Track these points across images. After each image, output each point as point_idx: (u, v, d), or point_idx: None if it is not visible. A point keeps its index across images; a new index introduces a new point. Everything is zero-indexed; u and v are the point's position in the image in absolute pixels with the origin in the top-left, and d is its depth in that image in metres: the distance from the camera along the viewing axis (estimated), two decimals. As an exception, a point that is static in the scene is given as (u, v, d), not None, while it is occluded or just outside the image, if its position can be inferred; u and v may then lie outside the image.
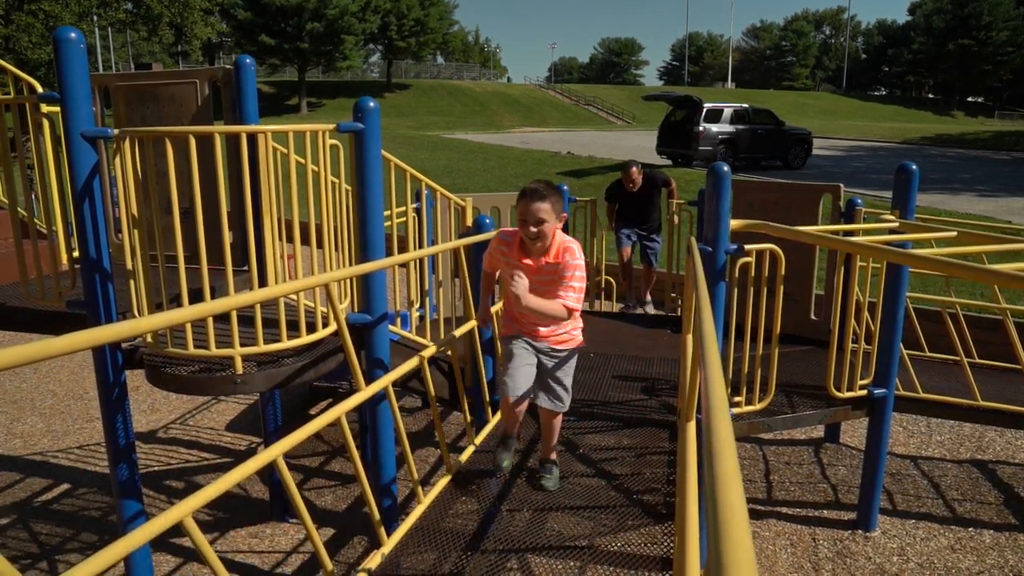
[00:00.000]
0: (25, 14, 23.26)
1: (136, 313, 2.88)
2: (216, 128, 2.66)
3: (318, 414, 2.22)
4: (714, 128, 18.61)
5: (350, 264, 3.13)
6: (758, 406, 3.55)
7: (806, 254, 4.84)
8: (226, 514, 4.18)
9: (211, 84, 3.37)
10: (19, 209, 3.20)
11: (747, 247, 3.32)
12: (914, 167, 3.70)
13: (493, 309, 3.55)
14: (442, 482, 3.12)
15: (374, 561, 2.53)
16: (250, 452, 5.02)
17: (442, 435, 3.11)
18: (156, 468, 4.77)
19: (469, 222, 4.34)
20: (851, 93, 74.80)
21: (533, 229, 2.71)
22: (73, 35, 2.67)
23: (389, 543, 2.63)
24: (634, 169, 6.55)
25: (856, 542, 3.77)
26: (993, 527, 3.89)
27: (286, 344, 2.79)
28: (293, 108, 48.58)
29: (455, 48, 71.13)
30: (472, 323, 3.40)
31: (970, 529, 3.87)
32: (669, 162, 19.37)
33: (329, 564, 2.21)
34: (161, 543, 3.80)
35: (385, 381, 2.72)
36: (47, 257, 3.19)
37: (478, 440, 3.50)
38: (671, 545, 2.62)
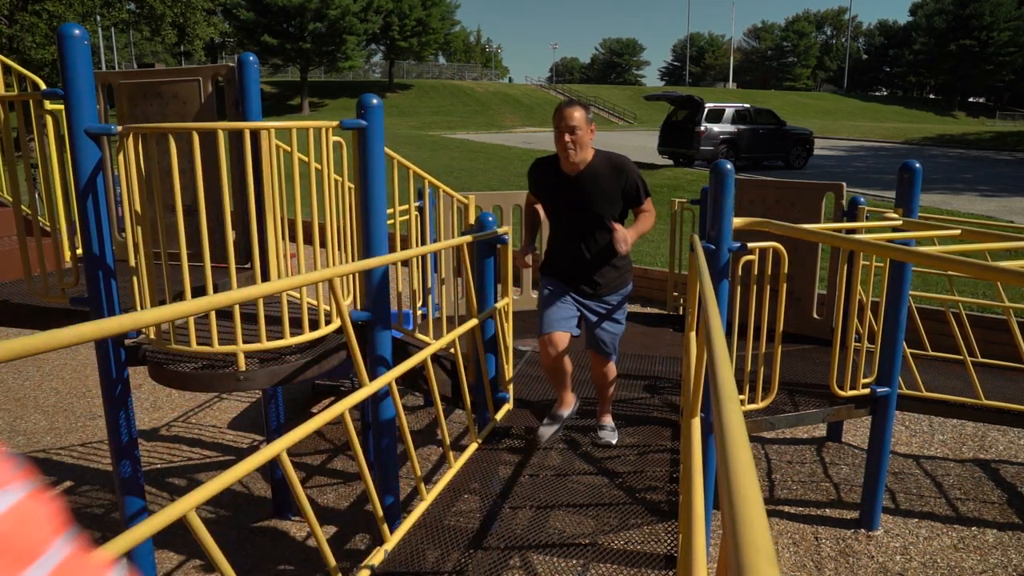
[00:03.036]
0: (29, 14, 23.28)
1: (139, 309, 2.88)
2: (219, 124, 2.66)
3: (320, 412, 2.21)
4: (715, 128, 18.63)
5: (353, 262, 3.12)
6: (760, 404, 3.55)
7: (809, 252, 4.84)
8: (228, 511, 4.18)
9: (214, 82, 3.37)
10: (23, 206, 3.20)
11: (750, 245, 3.32)
12: (917, 165, 3.70)
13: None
14: (444, 480, 3.12)
15: (377, 558, 2.52)
16: (252, 450, 5.02)
17: (445, 433, 3.11)
18: (159, 466, 4.77)
19: (472, 220, 4.34)
20: (852, 93, 74.76)
21: None
22: (77, 32, 2.67)
23: (392, 540, 2.63)
24: (575, 113, 3.09)
25: (859, 541, 3.76)
26: (996, 526, 3.89)
27: (289, 341, 2.79)
28: (295, 108, 48.62)
29: (457, 48, 71.25)
30: (474, 321, 3.40)
31: (973, 528, 3.87)
32: (671, 162, 19.38)
33: (332, 560, 2.21)
34: (163, 541, 3.80)
35: (388, 378, 2.72)
36: (51, 254, 3.19)
37: (480, 438, 3.50)
38: (674, 543, 2.62)
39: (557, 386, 3.49)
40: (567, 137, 3.13)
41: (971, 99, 72.03)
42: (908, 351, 4.08)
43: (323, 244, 2.99)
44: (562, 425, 3.48)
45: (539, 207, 3.53)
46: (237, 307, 2.61)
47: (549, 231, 3.46)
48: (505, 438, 3.56)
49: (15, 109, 3.13)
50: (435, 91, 56.44)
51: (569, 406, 3.53)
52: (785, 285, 3.45)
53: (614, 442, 3.51)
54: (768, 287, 3.46)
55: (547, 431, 3.44)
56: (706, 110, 18.65)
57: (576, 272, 3.34)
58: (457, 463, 3.25)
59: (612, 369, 3.53)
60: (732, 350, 3.67)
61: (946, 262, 1.94)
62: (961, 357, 4.20)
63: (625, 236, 3.18)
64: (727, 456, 0.66)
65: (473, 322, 3.39)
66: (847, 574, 3.48)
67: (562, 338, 3.30)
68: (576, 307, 3.36)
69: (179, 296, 2.86)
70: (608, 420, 3.61)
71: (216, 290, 3.00)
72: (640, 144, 25.59)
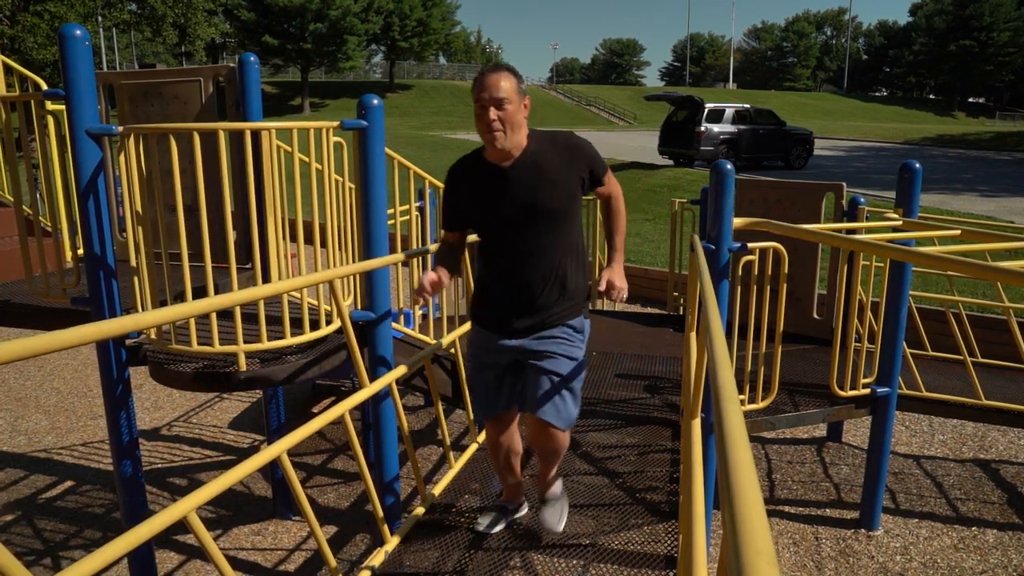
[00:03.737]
0: (30, 15, 23.26)
1: (140, 310, 2.88)
2: (220, 124, 2.66)
3: (320, 412, 2.22)
4: (716, 128, 18.63)
5: (353, 262, 3.13)
6: (761, 404, 3.55)
7: (809, 252, 4.84)
8: (229, 511, 4.19)
9: (215, 82, 3.38)
10: (24, 206, 3.20)
11: (750, 245, 3.32)
12: (917, 165, 3.70)
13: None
14: (445, 480, 3.13)
15: (377, 559, 2.53)
16: (253, 450, 5.02)
17: (445, 433, 3.11)
18: (159, 465, 4.77)
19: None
20: (852, 94, 74.74)
21: None
22: (78, 32, 2.67)
23: (392, 541, 2.64)
24: (502, 82, 2.20)
25: (859, 541, 3.76)
26: (996, 526, 3.89)
27: (289, 341, 2.80)
28: (296, 108, 48.64)
29: (457, 48, 71.15)
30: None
31: (973, 528, 3.87)
32: (671, 162, 19.38)
33: (332, 561, 2.21)
34: (164, 540, 3.80)
35: (389, 378, 2.72)
36: (52, 254, 3.20)
37: (480, 438, 3.50)
38: (674, 543, 2.62)
39: (501, 470, 2.72)
40: (492, 113, 2.20)
41: (971, 99, 71.99)
42: (908, 351, 4.08)
43: (323, 244, 2.99)
44: (507, 518, 2.77)
45: (460, 238, 2.55)
46: (238, 307, 2.62)
47: (480, 258, 2.51)
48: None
49: (16, 109, 3.14)
50: (436, 91, 56.45)
51: (515, 497, 2.80)
52: (785, 285, 3.45)
53: (560, 528, 2.62)
54: (768, 287, 3.46)
55: (487, 518, 2.73)
56: (706, 110, 18.65)
57: (514, 304, 2.40)
58: (457, 463, 3.26)
59: (562, 440, 2.53)
60: (732, 350, 3.68)
61: (946, 262, 1.95)
62: (961, 357, 4.20)
63: (616, 284, 2.39)
64: (727, 456, 0.66)
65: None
66: (847, 574, 3.49)
67: (511, 416, 2.61)
68: (517, 364, 2.50)
69: (180, 296, 2.86)
70: (554, 488, 2.67)
71: (217, 290, 3.00)
72: (640, 144, 25.61)
